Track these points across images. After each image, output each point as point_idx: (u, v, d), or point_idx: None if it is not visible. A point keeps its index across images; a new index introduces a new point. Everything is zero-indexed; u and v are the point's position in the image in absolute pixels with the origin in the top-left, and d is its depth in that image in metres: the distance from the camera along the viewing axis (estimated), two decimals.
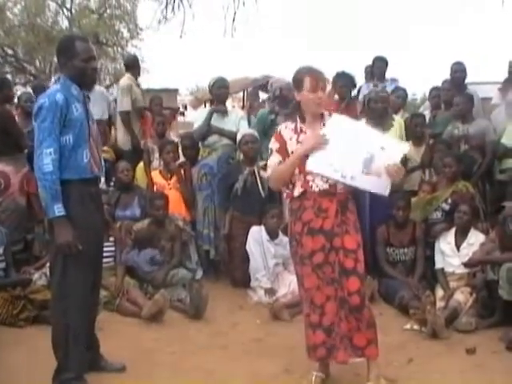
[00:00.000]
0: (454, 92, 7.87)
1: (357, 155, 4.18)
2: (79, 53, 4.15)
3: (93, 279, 4.32)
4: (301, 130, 4.30)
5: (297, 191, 4.26)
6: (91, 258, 4.23)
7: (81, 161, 4.13)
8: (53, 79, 10.37)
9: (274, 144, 4.39)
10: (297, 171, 4.25)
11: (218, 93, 7.64)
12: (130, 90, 8.47)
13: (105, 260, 6.03)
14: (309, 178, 4.21)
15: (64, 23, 27.64)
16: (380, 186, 4.29)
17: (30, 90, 10.05)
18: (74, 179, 4.09)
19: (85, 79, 4.24)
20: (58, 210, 3.97)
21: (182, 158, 7.70)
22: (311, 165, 4.17)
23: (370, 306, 4.35)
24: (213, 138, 7.47)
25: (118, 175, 7.22)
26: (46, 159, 3.95)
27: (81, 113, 4.15)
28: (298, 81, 4.34)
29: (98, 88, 8.65)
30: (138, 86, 8.77)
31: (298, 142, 4.26)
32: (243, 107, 15.84)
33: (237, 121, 7.57)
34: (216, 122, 7.45)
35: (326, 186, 4.20)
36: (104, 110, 8.35)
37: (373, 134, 4.42)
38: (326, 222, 4.19)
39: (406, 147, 4.61)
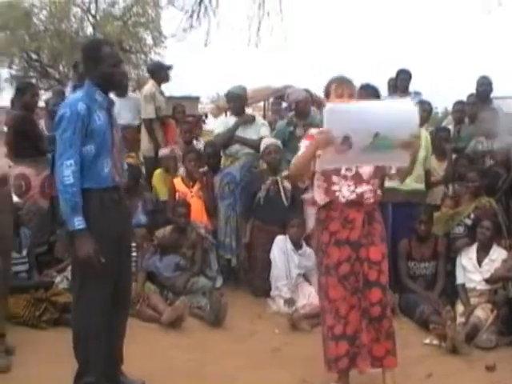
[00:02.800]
0: (479, 106, 7.85)
1: (367, 136, 3.99)
2: (106, 58, 4.07)
3: (117, 288, 4.22)
4: None
5: (323, 200, 4.27)
6: (112, 267, 4.12)
7: (101, 170, 4.05)
8: (69, 86, 10.39)
9: (303, 142, 4.37)
10: (321, 180, 4.27)
11: (233, 106, 7.68)
12: (154, 97, 8.50)
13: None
14: (335, 188, 4.23)
15: (88, 29, 27.91)
16: (398, 158, 4.12)
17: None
18: (95, 188, 4.02)
19: (113, 84, 4.21)
20: (78, 222, 3.89)
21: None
22: (323, 165, 4.15)
23: (391, 316, 4.36)
24: (235, 147, 7.47)
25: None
26: (67, 171, 3.87)
27: (104, 121, 4.06)
28: (326, 89, 4.43)
29: (131, 94, 8.72)
30: (162, 93, 8.80)
31: None
32: (264, 117, 15.87)
33: (258, 128, 7.56)
34: (238, 130, 7.46)
35: (353, 197, 4.21)
36: (135, 116, 8.38)
37: (378, 110, 4.12)
38: (353, 232, 4.20)
39: (414, 109, 4.17)
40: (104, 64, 4.05)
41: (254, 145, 7.35)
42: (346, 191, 4.22)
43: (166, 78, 8.96)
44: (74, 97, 4.10)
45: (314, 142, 4.10)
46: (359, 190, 4.26)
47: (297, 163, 4.32)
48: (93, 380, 4.12)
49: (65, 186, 3.88)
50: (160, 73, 8.89)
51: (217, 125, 7.97)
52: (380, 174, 4.40)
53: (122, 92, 8.01)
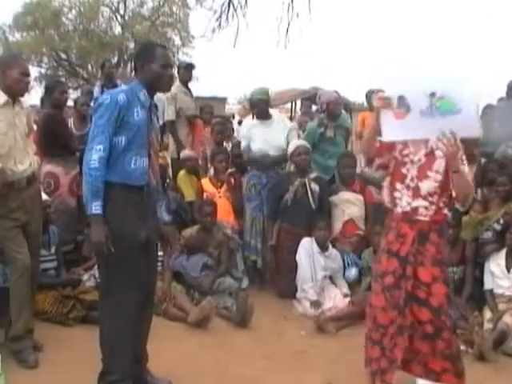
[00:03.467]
0: (510, 111, 7.75)
1: (422, 95, 3.94)
2: (158, 58, 4.14)
3: (143, 290, 4.23)
4: None
5: (388, 203, 4.31)
6: (134, 266, 4.10)
7: (128, 165, 4.06)
8: (97, 85, 10.46)
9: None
10: (388, 181, 4.28)
11: (256, 111, 7.60)
12: (175, 98, 8.53)
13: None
14: (396, 195, 4.19)
15: (117, 29, 28.11)
16: (466, 125, 3.94)
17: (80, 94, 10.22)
18: (117, 182, 4.03)
19: (160, 84, 4.22)
20: (96, 207, 3.92)
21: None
22: (387, 136, 4.10)
23: (451, 339, 4.20)
24: (259, 148, 7.37)
25: None
26: (95, 155, 3.91)
27: (142, 119, 4.08)
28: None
29: (159, 94, 8.76)
30: (187, 93, 8.81)
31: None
32: (291, 118, 15.86)
33: (285, 132, 7.46)
34: (261, 133, 7.36)
35: (407, 209, 4.14)
36: (162, 116, 8.41)
37: (431, 71, 4.14)
38: (403, 247, 4.14)
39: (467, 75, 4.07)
40: (156, 63, 4.12)
41: (277, 154, 7.36)
42: (404, 202, 4.16)
43: (188, 78, 8.99)
44: (118, 89, 4.25)
45: (374, 110, 4.10)
46: (415, 203, 4.15)
47: (365, 136, 4.37)
48: (118, 378, 4.15)
49: (90, 169, 3.92)
50: (183, 72, 8.94)
51: (241, 129, 7.95)
52: (444, 191, 4.14)
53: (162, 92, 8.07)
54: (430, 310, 4.13)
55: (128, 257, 4.05)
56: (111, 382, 4.15)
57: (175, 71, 8.98)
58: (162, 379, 4.51)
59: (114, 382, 4.15)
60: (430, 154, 4.14)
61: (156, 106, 4.36)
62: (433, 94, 3.87)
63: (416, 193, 4.14)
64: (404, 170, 4.18)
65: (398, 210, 4.16)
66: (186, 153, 8.01)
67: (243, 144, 7.52)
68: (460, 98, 3.90)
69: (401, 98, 3.97)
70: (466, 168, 4.01)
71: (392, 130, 4.08)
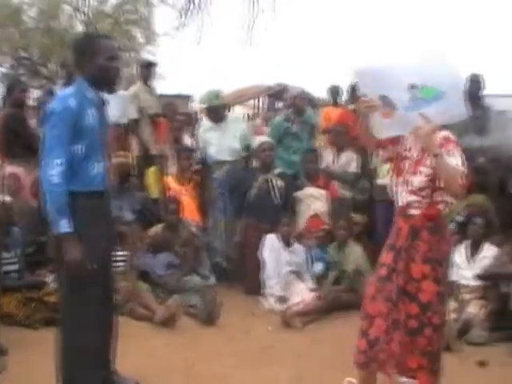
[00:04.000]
0: (470, 104, 7.85)
1: (402, 90, 3.86)
2: (103, 50, 3.84)
3: (105, 296, 4.05)
4: None
5: (393, 195, 4.25)
6: (99, 275, 3.93)
7: (90, 172, 3.83)
8: (59, 84, 10.37)
9: None
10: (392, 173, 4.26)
11: (221, 109, 7.58)
12: (137, 97, 8.50)
13: (117, 264, 6.08)
14: (397, 189, 4.16)
15: (79, 27, 27.82)
16: (451, 107, 3.82)
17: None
18: (82, 191, 3.78)
19: (107, 79, 3.94)
20: (64, 225, 3.65)
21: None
22: (381, 134, 4.12)
23: (433, 337, 4.10)
24: (215, 153, 7.39)
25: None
26: (54, 170, 3.63)
27: (95, 120, 3.83)
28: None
29: (121, 92, 8.71)
30: (149, 92, 8.78)
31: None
32: (256, 114, 15.89)
33: (240, 133, 7.48)
34: (216, 137, 7.37)
35: (403, 203, 4.10)
36: (124, 114, 8.35)
37: (404, 63, 3.97)
38: (398, 242, 4.12)
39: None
40: (100, 56, 3.83)
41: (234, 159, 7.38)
42: (401, 196, 4.12)
43: (150, 76, 8.96)
44: (65, 92, 3.87)
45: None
46: (409, 198, 4.10)
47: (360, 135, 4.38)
48: None
49: (51, 186, 3.65)
50: (143, 70, 8.90)
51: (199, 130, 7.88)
52: (436, 185, 4.02)
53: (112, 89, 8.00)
54: (418, 305, 4.09)
55: (97, 266, 3.85)
56: None
57: (137, 70, 8.97)
58: (129, 379, 4.42)
59: None
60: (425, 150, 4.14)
61: (105, 101, 4.07)
62: (413, 86, 3.85)
63: (410, 188, 4.10)
64: (402, 165, 4.18)
65: (397, 204, 4.17)
66: (166, 151, 7.98)
67: (200, 145, 7.53)
68: (441, 81, 3.81)
69: (384, 98, 3.94)
70: (454, 159, 3.93)
71: (384, 129, 4.10)
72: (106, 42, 3.95)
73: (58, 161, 3.65)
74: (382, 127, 4.09)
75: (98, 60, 3.83)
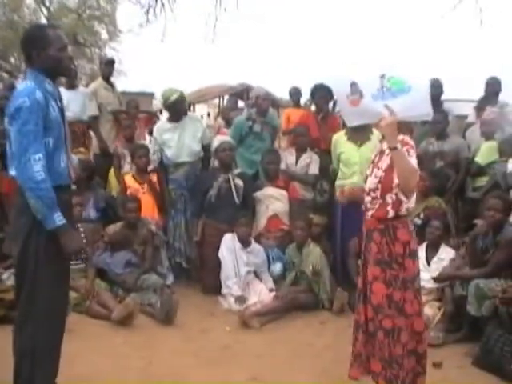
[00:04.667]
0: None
1: (373, 79, 3.98)
2: (53, 41, 3.73)
3: (63, 294, 4.01)
4: None
5: None
6: (64, 272, 3.91)
7: (58, 166, 3.75)
8: (21, 78, 10.24)
9: None
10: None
11: (181, 108, 7.43)
12: (96, 94, 8.45)
13: (75, 262, 6.03)
14: None
15: (42, 21, 27.50)
16: (416, 104, 3.92)
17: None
18: (53, 186, 3.64)
19: (61, 70, 3.86)
20: (59, 218, 3.60)
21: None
22: (348, 122, 4.41)
23: (388, 344, 4.10)
24: (173, 154, 7.32)
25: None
26: (36, 166, 3.53)
27: (57, 112, 3.75)
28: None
29: (81, 88, 8.64)
30: (109, 88, 8.71)
31: None
32: (219, 113, 15.87)
33: (199, 133, 7.46)
34: (175, 139, 7.29)
35: (366, 205, 4.19)
36: (84, 110, 8.27)
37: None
38: (362, 244, 4.28)
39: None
40: (51, 48, 3.72)
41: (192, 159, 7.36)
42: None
43: (110, 73, 8.90)
44: (28, 86, 3.67)
45: None
46: (365, 200, 4.18)
47: None
48: None
49: (37, 183, 3.54)
50: (104, 67, 8.85)
51: (154, 132, 7.74)
52: (387, 187, 4.05)
53: (70, 80, 7.93)
54: (371, 307, 4.15)
55: (60, 263, 3.80)
56: None
57: (98, 67, 8.91)
58: None
59: None
60: (382, 152, 4.17)
61: (60, 94, 3.93)
62: (383, 76, 3.91)
63: (366, 190, 4.18)
64: (368, 170, 4.25)
65: None
66: (118, 149, 7.93)
67: (153, 148, 7.41)
68: (409, 76, 3.91)
69: (353, 85, 4.01)
70: (411, 159, 3.97)
71: (350, 116, 4.22)
72: (56, 32, 3.83)
73: (37, 156, 3.56)
74: (350, 114, 4.20)
75: (49, 51, 3.73)
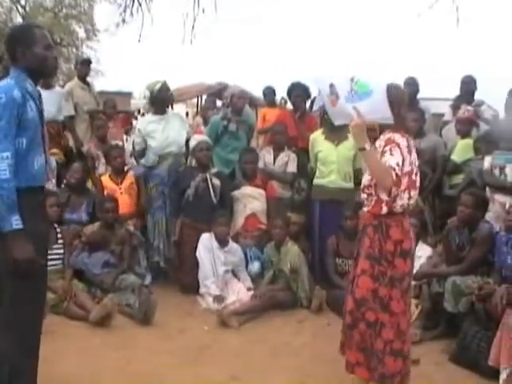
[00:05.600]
0: (407, 106, 7.98)
1: (345, 82, 4.10)
2: (40, 40, 3.69)
3: (40, 295, 3.88)
4: None
5: None
6: (40, 276, 3.80)
7: (32, 167, 3.65)
8: None
9: None
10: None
11: (166, 96, 7.39)
12: (71, 94, 8.41)
13: (53, 263, 6.00)
14: None
15: (18, 20, 27.29)
16: (379, 109, 4.03)
17: None
18: (24, 187, 3.58)
19: (46, 69, 3.81)
20: (16, 222, 3.47)
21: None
22: (334, 121, 4.42)
23: (367, 333, 4.17)
24: (159, 145, 7.24)
25: (69, 176, 7.17)
26: (2, 164, 3.44)
27: (35, 113, 3.67)
28: None
29: (57, 88, 8.59)
30: (85, 88, 8.68)
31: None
32: (197, 113, 15.84)
33: (184, 128, 7.49)
34: (160, 130, 7.23)
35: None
36: (60, 110, 8.22)
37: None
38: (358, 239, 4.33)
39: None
40: (38, 46, 3.69)
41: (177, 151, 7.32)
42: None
43: (86, 73, 8.87)
44: (7, 84, 3.62)
45: None
46: (361, 196, 4.28)
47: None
48: None
49: (1, 182, 3.45)
50: (80, 67, 8.81)
51: (138, 124, 7.74)
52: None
53: (48, 82, 7.87)
54: (353, 300, 4.19)
55: (40, 266, 3.70)
56: None
57: (74, 67, 8.86)
58: None
59: None
60: (375, 150, 4.20)
61: (40, 94, 3.86)
62: (352, 79, 4.04)
63: (362, 187, 4.27)
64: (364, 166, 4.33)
65: None
66: (91, 150, 7.89)
67: (137, 140, 7.35)
68: (370, 80, 4.05)
69: (332, 86, 4.14)
70: (391, 158, 4.01)
71: (333, 115, 4.37)
72: (42, 31, 3.79)
73: (6, 154, 3.48)
74: (333, 114, 4.37)
75: (35, 49, 3.69)
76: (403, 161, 4.02)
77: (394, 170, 3.97)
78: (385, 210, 4.07)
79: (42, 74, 3.88)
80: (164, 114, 7.33)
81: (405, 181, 4.05)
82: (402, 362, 4.17)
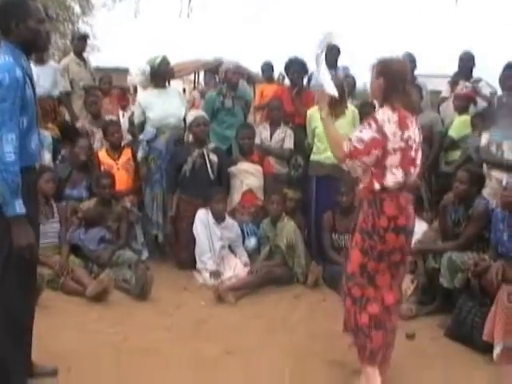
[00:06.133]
0: None
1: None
2: (33, 13, 3.59)
3: (31, 276, 3.86)
4: None
5: None
6: (36, 256, 3.81)
7: (29, 147, 3.61)
8: None
9: None
10: None
11: (166, 70, 7.39)
12: (67, 70, 8.35)
13: (49, 238, 6.00)
14: None
15: None
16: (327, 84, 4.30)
17: None
18: (23, 167, 3.50)
19: (39, 44, 3.72)
20: (20, 206, 3.42)
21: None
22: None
23: (355, 312, 4.10)
24: (157, 117, 7.20)
25: (75, 152, 7.18)
26: (8, 147, 3.36)
27: (31, 91, 3.60)
28: None
29: (52, 63, 8.52)
30: (80, 64, 8.62)
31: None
32: (194, 89, 15.77)
33: (183, 103, 7.52)
34: (160, 102, 7.22)
35: None
36: (55, 86, 8.16)
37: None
38: None
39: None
40: (31, 20, 3.58)
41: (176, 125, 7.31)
42: None
43: (82, 48, 8.80)
44: (7, 62, 3.50)
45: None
46: (358, 171, 4.22)
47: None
48: None
49: (6, 164, 3.37)
50: (76, 43, 8.75)
51: (138, 97, 7.77)
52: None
53: (42, 57, 7.81)
54: (345, 274, 4.19)
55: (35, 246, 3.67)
56: None
57: (70, 42, 8.80)
58: (47, 366, 4.17)
59: None
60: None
61: (31, 70, 3.75)
62: (322, 51, 4.34)
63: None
64: None
65: None
66: (86, 126, 7.86)
67: (136, 112, 7.39)
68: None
69: (317, 55, 4.32)
70: (355, 132, 4.00)
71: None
72: (35, 4, 3.70)
73: (11, 136, 3.40)
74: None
75: (29, 23, 3.59)
76: (384, 136, 3.92)
77: (351, 142, 3.95)
78: (377, 185, 4.01)
79: (35, 48, 3.79)
80: (164, 88, 7.36)
81: (395, 157, 3.96)
82: (385, 335, 4.10)
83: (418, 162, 4.12)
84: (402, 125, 3.96)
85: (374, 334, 4.05)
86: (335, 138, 4.11)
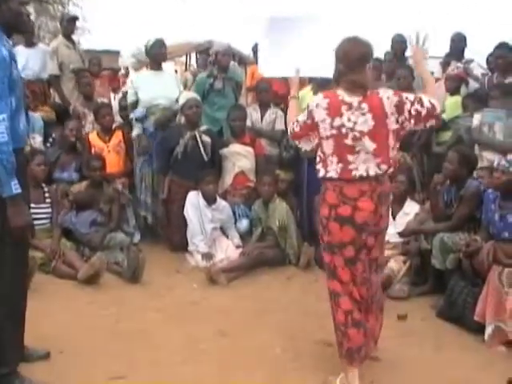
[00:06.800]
0: (396, 64, 7.95)
1: None
2: None
3: (23, 257, 3.86)
4: None
5: None
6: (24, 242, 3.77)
7: (18, 128, 3.57)
8: None
9: None
10: None
11: (159, 52, 7.35)
12: (56, 52, 8.28)
13: (41, 222, 5.98)
14: None
15: None
16: None
17: None
18: (13, 148, 3.43)
19: (20, 25, 3.71)
20: (16, 186, 3.39)
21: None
22: None
23: (332, 308, 4.00)
24: (148, 98, 7.18)
25: (65, 134, 7.15)
26: (0, 127, 3.34)
27: (17, 71, 3.57)
28: None
29: (41, 45, 8.45)
30: (70, 47, 8.55)
31: None
32: (186, 70, 15.68)
33: (178, 85, 7.47)
34: (153, 83, 7.20)
35: None
36: (44, 68, 8.10)
37: None
38: None
39: None
40: (13, 1, 3.55)
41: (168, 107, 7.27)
42: None
43: (71, 30, 8.73)
44: None
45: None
46: None
47: None
48: (6, 371, 3.72)
49: (0, 145, 3.34)
50: (65, 25, 8.67)
51: (131, 76, 7.76)
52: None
53: (28, 37, 7.74)
54: None
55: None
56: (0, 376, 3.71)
57: (59, 24, 8.74)
58: (39, 350, 4.19)
59: (3, 375, 3.72)
60: None
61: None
62: None
63: None
64: None
65: None
66: (78, 108, 7.82)
67: (129, 92, 7.37)
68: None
69: None
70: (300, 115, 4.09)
71: None
72: None
73: (1, 116, 3.36)
74: None
75: (11, 4, 3.56)
76: (313, 121, 3.87)
77: (292, 124, 4.10)
78: (321, 173, 3.92)
79: (16, 29, 3.75)
80: (158, 70, 7.37)
81: (329, 144, 3.82)
82: (365, 334, 3.93)
83: (360, 149, 3.79)
84: (333, 111, 3.79)
85: (351, 332, 3.87)
86: (292, 119, 4.21)
